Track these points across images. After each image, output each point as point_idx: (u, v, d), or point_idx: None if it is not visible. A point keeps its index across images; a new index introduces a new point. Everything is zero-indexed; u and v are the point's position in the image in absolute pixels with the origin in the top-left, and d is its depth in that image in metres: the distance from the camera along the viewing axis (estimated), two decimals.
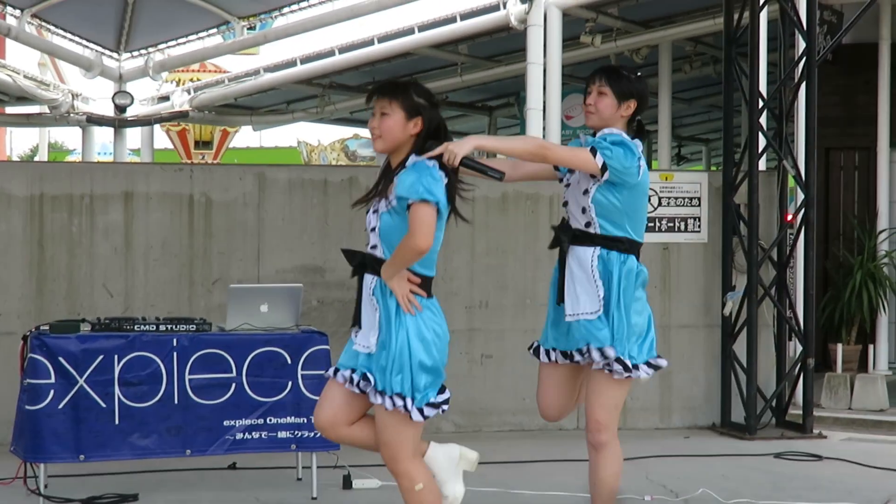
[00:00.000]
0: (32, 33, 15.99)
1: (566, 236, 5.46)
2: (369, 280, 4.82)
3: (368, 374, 4.77)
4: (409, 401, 4.72)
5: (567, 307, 5.41)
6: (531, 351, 5.82)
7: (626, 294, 5.34)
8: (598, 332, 5.32)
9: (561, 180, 5.61)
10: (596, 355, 5.33)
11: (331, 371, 4.97)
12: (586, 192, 5.38)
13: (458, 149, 4.80)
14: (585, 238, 5.39)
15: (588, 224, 5.39)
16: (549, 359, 5.64)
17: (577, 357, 5.44)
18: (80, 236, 8.88)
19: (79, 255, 8.88)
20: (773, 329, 9.87)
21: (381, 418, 4.78)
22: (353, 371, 4.85)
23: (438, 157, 4.75)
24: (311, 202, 9.33)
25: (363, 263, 4.86)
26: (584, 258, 5.37)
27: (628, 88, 5.47)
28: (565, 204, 5.56)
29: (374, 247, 4.83)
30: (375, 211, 4.80)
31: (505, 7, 13.02)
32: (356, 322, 4.88)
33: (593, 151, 5.25)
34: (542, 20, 11.74)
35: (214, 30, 16.41)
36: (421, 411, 4.76)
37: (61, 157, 36.88)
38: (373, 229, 4.82)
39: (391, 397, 4.69)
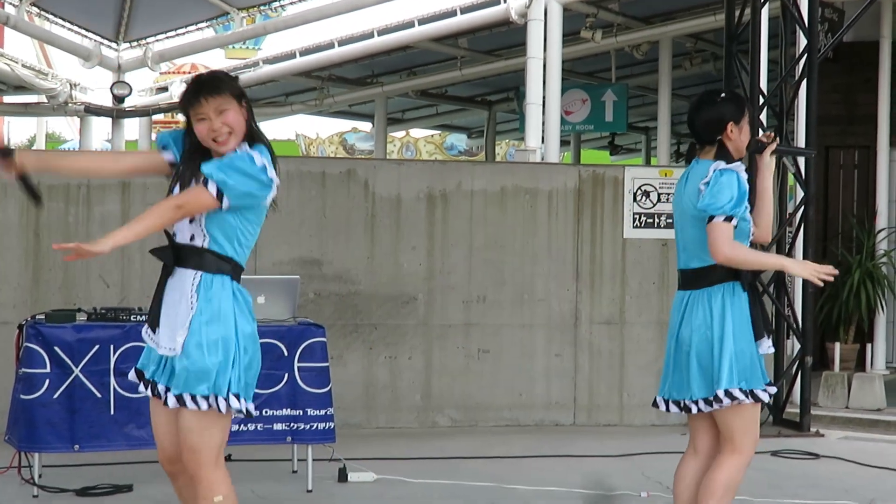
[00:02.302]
0: (31, 22, 15.95)
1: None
2: (190, 275, 4.36)
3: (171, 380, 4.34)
4: (220, 399, 4.31)
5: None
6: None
7: None
8: None
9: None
10: None
11: (147, 389, 4.46)
12: None
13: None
14: None
15: None
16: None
17: None
18: (76, 226, 8.85)
19: None
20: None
21: (188, 421, 4.33)
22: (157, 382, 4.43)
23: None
24: (308, 194, 9.31)
25: (179, 257, 4.40)
26: None
27: None
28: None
29: (192, 237, 4.38)
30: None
31: (505, 1, 12.98)
32: (155, 322, 4.44)
33: None
34: (542, 15, 11.70)
35: (214, 21, 16.38)
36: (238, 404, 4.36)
37: (57, 147, 36.79)
38: (191, 220, 4.35)
39: (205, 398, 4.29)
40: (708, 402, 5.06)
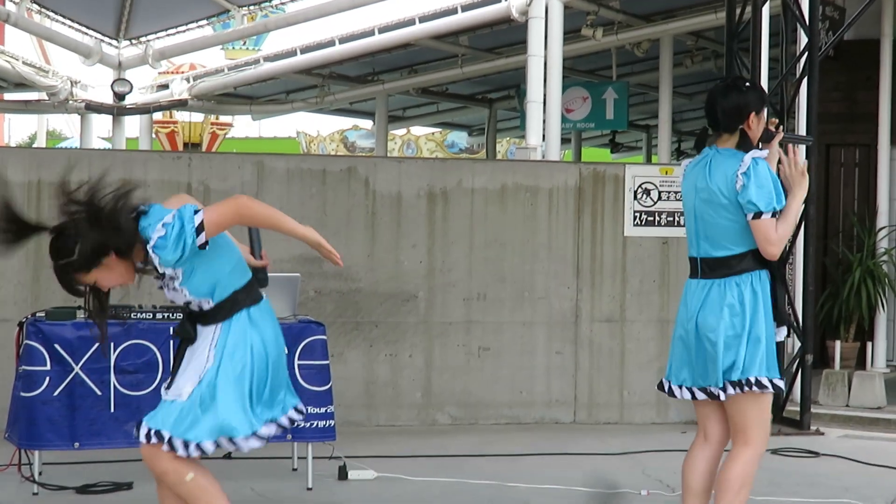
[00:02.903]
0: (32, 19, 15.95)
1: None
2: (211, 330, 4.50)
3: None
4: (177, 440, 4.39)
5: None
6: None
7: None
8: None
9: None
10: None
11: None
12: None
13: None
14: None
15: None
16: None
17: None
18: None
19: None
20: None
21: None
22: None
23: None
24: (309, 192, 9.31)
25: (195, 321, 4.55)
26: None
27: None
28: None
29: (199, 307, 4.52)
30: (174, 289, 4.51)
31: None
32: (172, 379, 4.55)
33: None
34: (543, 12, 11.69)
35: (215, 18, 16.39)
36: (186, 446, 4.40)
37: (57, 145, 36.76)
38: (188, 302, 4.53)
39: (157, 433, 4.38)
40: (736, 385, 5.01)
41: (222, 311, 4.50)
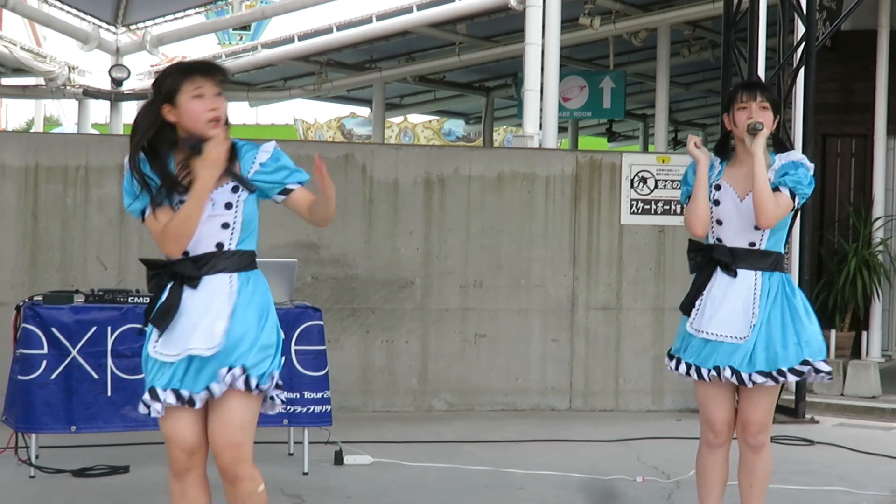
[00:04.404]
0: (30, 5, 15.95)
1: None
2: (224, 279, 4.25)
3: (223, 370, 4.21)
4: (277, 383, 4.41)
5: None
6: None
7: None
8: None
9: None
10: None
11: (159, 408, 4.22)
12: None
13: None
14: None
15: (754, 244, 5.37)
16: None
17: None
18: (74, 208, 8.86)
19: (73, 227, 8.86)
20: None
21: (242, 413, 4.26)
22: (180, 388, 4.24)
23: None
24: None
25: (213, 265, 4.25)
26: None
27: (777, 101, 5.25)
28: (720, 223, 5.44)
29: (219, 244, 4.26)
30: (228, 203, 4.29)
31: None
32: (164, 328, 4.23)
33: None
34: (541, 1, 11.66)
35: (212, 5, 16.39)
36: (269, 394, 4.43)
37: (52, 130, 36.72)
38: (225, 225, 4.27)
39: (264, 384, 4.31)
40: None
41: (243, 262, 4.30)
